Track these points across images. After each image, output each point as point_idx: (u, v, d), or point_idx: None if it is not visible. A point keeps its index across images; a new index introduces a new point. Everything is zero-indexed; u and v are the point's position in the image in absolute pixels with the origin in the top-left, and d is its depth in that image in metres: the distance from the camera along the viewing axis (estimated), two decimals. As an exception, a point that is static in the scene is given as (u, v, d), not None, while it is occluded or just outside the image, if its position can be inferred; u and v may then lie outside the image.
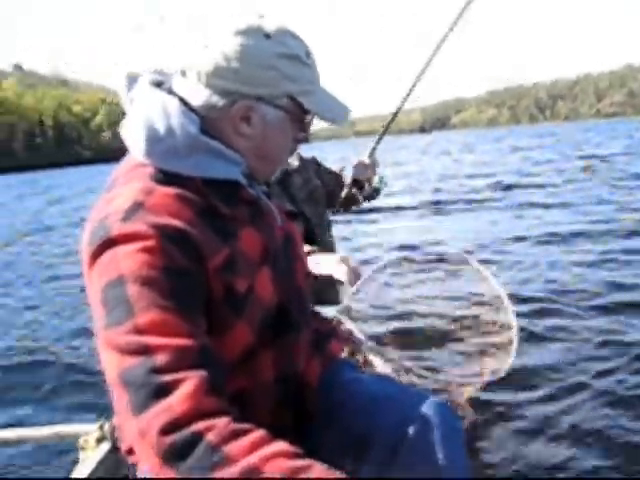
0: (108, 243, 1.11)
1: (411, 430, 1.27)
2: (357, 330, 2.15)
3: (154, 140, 1.22)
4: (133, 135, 1.26)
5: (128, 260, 1.09)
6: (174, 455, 0.94)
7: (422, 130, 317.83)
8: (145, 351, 1.03)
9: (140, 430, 0.97)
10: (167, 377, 1.00)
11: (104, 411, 3.00)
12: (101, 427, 1.87)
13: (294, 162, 3.07)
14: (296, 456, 0.98)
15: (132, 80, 1.33)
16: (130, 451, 1.30)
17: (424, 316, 4.60)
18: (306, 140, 1.43)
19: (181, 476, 0.94)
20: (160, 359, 1.02)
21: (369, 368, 2.16)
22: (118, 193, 1.19)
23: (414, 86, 3.21)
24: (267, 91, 1.25)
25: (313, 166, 3.26)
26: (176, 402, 0.97)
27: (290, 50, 1.26)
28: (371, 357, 2.24)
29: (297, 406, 1.45)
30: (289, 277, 1.42)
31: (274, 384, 1.35)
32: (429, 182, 18.66)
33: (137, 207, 1.14)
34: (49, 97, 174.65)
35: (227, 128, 1.28)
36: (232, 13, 1.31)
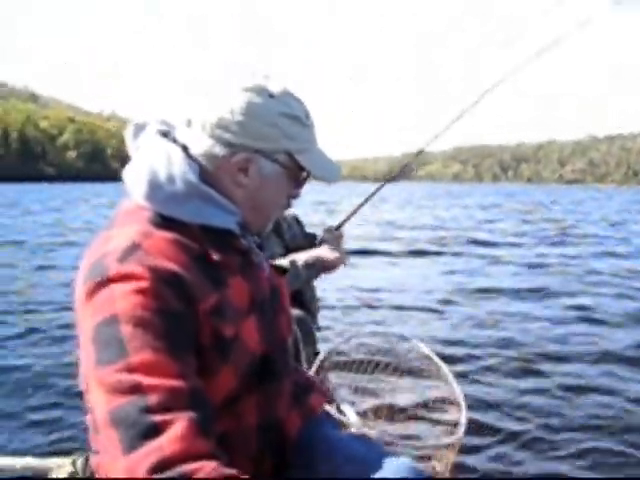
0: (105, 282, 1.13)
1: None
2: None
3: (155, 185, 1.25)
4: (135, 179, 1.28)
5: (123, 300, 1.11)
6: None
7: (387, 180, 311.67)
8: (137, 390, 1.04)
9: (129, 468, 0.98)
10: (158, 417, 1.01)
11: (77, 447, 3.28)
12: (73, 463, 1.74)
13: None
14: None
15: (139, 128, 1.37)
16: None
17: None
18: (298, 196, 1.47)
19: None
20: (152, 399, 1.03)
21: (344, 420, 2.16)
22: (117, 233, 1.22)
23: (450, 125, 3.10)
24: (267, 146, 1.31)
25: (294, 219, 3.31)
26: (166, 443, 0.99)
27: (292, 111, 1.33)
28: (347, 411, 2.28)
29: (277, 456, 1.47)
30: (274, 328, 1.45)
31: (256, 430, 1.36)
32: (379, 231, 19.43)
33: (134, 248, 1.16)
34: (17, 110, 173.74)
35: (225, 178, 1.32)
36: (240, 67, 1.40)
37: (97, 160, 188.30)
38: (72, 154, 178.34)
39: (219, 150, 1.30)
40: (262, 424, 1.38)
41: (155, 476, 0.96)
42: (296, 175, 1.40)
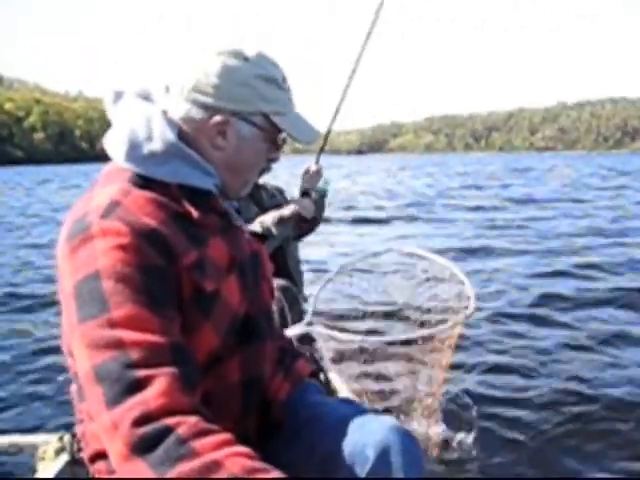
0: (86, 238, 1.16)
1: (372, 454, 1.31)
2: (331, 333, 2.45)
3: (134, 145, 1.28)
4: (115, 141, 1.31)
5: (104, 256, 1.13)
6: (144, 445, 1.00)
7: (359, 152, 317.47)
8: (119, 345, 1.07)
9: (113, 422, 1.03)
10: (141, 372, 1.05)
11: (64, 423, 3.40)
12: (61, 438, 1.81)
13: (260, 180, 3.33)
14: (257, 459, 1.07)
15: (118, 95, 1.39)
16: (93, 458, 1.33)
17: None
18: (277, 160, 1.53)
19: (147, 466, 0.99)
20: (134, 354, 1.06)
21: (331, 389, 2.25)
22: (97, 192, 1.25)
23: (340, 105, 3.46)
24: (243, 107, 1.34)
25: (277, 190, 3.64)
26: (150, 397, 1.03)
27: (267, 73, 1.36)
28: (333, 378, 2.38)
29: (261, 416, 1.50)
30: (256, 291, 1.47)
31: (240, 389, 1.38)
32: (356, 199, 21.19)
33: (115, 205, 1.19)
34: None
35: (203, 141, 1.35)
36: (216, 32, 1.41)
37: (65, 141, 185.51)
38: (40, 136, 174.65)
39: (196, 113, 1.34)
40: (245, 383, 1.40)
41: (138, 429, 1.01)
42: (274, 138, 1.44)
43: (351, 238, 11.97)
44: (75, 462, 1.79)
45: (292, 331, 2.73)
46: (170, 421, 1.03)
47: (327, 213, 3.81)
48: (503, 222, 13.76)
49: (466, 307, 2.74)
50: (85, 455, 1.38)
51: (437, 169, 55.60)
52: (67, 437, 1.84)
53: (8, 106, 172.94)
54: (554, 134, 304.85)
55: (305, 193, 3.51)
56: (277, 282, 3.02)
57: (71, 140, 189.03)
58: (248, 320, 1.41)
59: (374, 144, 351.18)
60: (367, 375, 3.57)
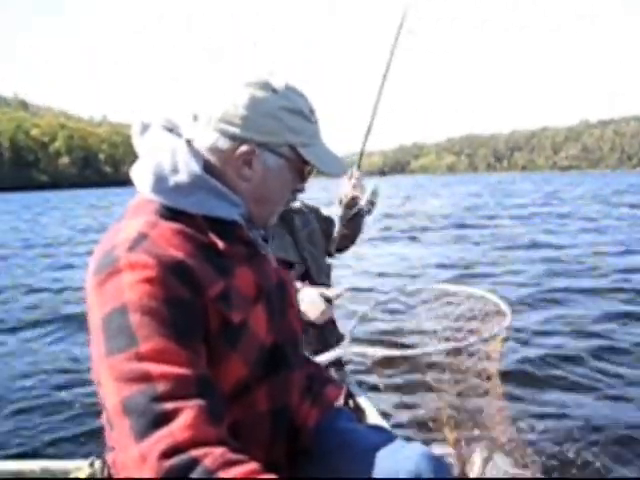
0: (114, 272, 1.17)
1: None
2: (366, 350, 2.35)
3: (160, 177, 1.30)
4: (142, 173, 1.34)
5: (131, 290, 1.15)
6: (172, 478, 1.02)
7: (382, 173, 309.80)
8: (147, 379, 1.09)
9: (141, 455, 1.04)
10: (168, 405, 1.07)
11: (95, 448, 3.39)
12: (92, 464, 1.82)
13: (295, 203, 3.06)
14: None
15: (145, 127, 1.42)
16: None
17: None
18: (302, 191, 1.53)
19: None
20: (161, 387, 1.08)
21: (361, 415, 2.30)
22: (125, 225, 1.27)
23: (372, 122, 3.34)
24: (270, 139, 1.36)
25: (313, 212, 3.30)
26: (177, 430, 1.05)
27: (294, 105, 1.38)
28: (363, 404, 2.42)
29: (290, 443, 1.50)
30: (283, 319, 1.48)
31: (268, 418, 1.40)
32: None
33: (142, 238, 1.21)
34: (7, 119, 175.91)
35: (230, 171, 1.37)
36: (244, 61, 1.44)
37: (90, 166, 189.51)
38: (65, 160, 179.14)
39: (223, 143, 1.36)
40: (273, 412, 1.41)
41: (166, 461, 1.02)
42: (300, 169, 1.46)
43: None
44: None
45: (325, 356, 2.62)
46: (197, 453, 1.04)
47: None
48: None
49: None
50: None
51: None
52: (98, 463, 1.82)
53: (34, 132, 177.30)
54: (577, 153, 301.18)
55: (352, 199, 3.30)
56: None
57: (95, 164, 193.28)
58: (276, 349, 1.41)
59: (396, 165, 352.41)
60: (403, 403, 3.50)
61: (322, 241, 3.26)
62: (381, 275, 9.96)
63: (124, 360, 1.11)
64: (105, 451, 1.47)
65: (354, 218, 3.32)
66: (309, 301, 2.60)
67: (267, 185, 1.42)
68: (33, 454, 3.66)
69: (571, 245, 13.06)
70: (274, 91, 1.37)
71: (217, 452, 1.06)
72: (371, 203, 3.34)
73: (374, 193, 3.35)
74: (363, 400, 2.51)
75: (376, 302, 3.17)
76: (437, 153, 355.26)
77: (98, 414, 1.33)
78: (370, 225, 12.52)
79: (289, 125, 1.38)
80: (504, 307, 2.73)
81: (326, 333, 3.00)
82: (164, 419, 1.07)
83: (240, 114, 1.34)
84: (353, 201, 3.30)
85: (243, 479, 1.06)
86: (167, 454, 1.03)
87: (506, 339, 2.63)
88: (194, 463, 1.04)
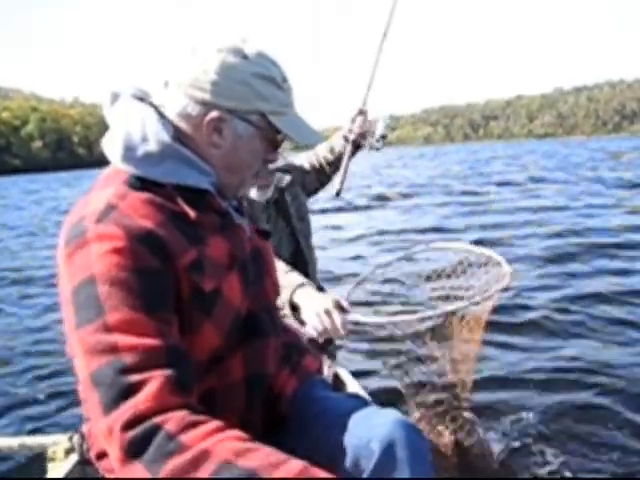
0: (82, 243, 1.17)
1: (378, 448, 1.32)
2: (355, 317, 2.14)
3: (129, 147, 1.29)
4: (112, 143, 1.32)
5: (100, 261, 1.14)
6: (136, 448, 1.03)
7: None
8: (114, 350, 1.09)
9: (108, 427, 1.06)
10: (135, 377, 1.07)
11: (72, 423, 3.42)
12: (70, 438, 1.82)
13: (284, 179, 3.01)
14: (247, 439, 1.09)
15: (115, 97, 1.40)
16: (100, 456, 1.36)
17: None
18: (274, 161, 1.51)
19: (142, 467, 1.03)
20: (129, 359, 1.08)
21: (341, 385, 2.28)
22: (94, 197, 1.26)
23: (367, 95, 3.16)
24: (240, 106, 1.34)
25: (299, 176, 3.15)
26: (141, 400, 1.05)
27: (265, 72, 1.35)
28: (342, 374, 2.38)
29: (268, 411, 1.50)
30: (258, 288, 1.47)
31: (243, 386, 1.39)
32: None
33: (110, 209, 1.20)
34: None
35: (200, 138, 1.35)
36: (216, 30, 1.39)
37: (63, 148, 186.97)
38: (37, 144, 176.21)
39: (193, 109, 1.33)
40: (249, 380, 1.40)
41: (128, 432, 1.04)
42: (271, 138, 1.42)
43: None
44: (85, 462, 1.78)
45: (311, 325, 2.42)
46: (158, 419, 1.05)
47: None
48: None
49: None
50: (92, 454, 1.41)
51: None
52: (76, 437, 1.84)
53: (5, 115, 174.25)
54: (553, 120, 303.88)
55: (361, 135, 3.06)
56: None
57: (69, 147, 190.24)
58: (250, 317, 1.41)
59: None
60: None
61: (307, 214, 3.14)
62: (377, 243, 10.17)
63: (92, 332, 1.11)
64: (82, 423, 1.48)
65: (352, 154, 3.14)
66: (315, 313, 2.15)
67: (237, 153, 1.39)
68: (13, 432, 3.68)
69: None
70: (245, 57, 1.35)
71: (178, 416, 1.06)
72: (383, 137, 3.12)
73: (387, 127, 3.14)
74: (342, 371, 2.47)
75: (376, 266, 2.98)
76: (413, 124, 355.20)
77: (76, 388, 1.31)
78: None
79: (260, 92, 1.35)
80: (505, 265, 2.61)
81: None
82: (130, 391, 1.07)
83: (210, 79, 1.32)
84: (361, 137, 3.09)
85: (204, 438, 1.05)
86: (130, 425, 1.04)
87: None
88: (156, 429, 1.04)
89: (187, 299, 1.25)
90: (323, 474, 1.10)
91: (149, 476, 1.03)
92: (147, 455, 1.03)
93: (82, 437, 1.78)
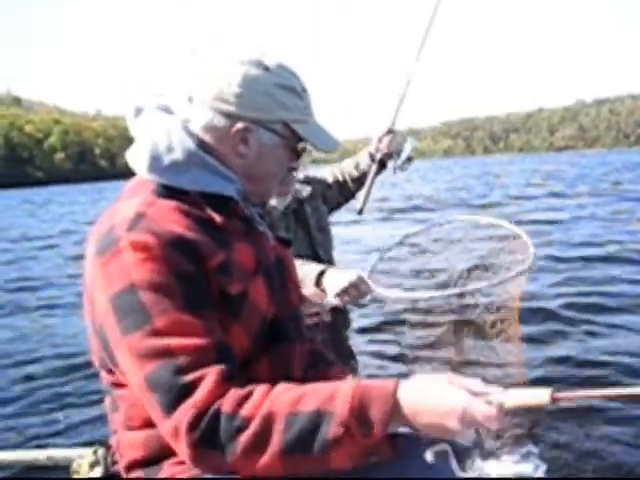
0: (115, 252, 1.20)
1: None
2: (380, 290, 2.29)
3: (155, 156, 1.32)
4: (137, 154, 1.36)
5: (137, 268, 1.18)
6: (206, 441, 1.11)
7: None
8: (167, 353, 1.14)
9: (174, 429, 1.12)
10: (190, 376, 1.13)
11: (98, 436, 3.46)
12: (95, 452, 1.84)
13: (305, 190, 3.01)
14: (293, 388, 1.20)
15: (139, 110, 1.44)
16: (130, 467, 1.37)
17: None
18: (297, 168, 1.68)
19: (219, 454, 1.12)
20: (182, 359, 1.14)
21: None
22: (121, 206, 1.29)
23: (399, 107, 3.12)
24: (264, 116, 1.38)
25: (321, 188, 3.14)
26: (199, 398, 1.12)
27: (286, 82, 1.41)
28: None
29: None
30: (283, 295, 1.50)
31: None
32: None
33: (140, 217, 1.23)
34: (0, 116, 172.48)
35: (225, 149, 1.39)
36: (237, 43, 1.44)
37: (85, 160, 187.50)
38: (60, 156, 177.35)
39: (219, 121, 1.38)
40: (274, 384, 1.33)
41: (195, 431, 1.11)
42: (294, 146, 1.47)
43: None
44: (109, 475, 1.76)
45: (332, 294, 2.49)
46: (214, 408, 1.12)
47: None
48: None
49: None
50: (121, 466, 1.41)
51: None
52: (101, 451, 1.85)
53: (28, 128, 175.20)
54: (574, 133, 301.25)
55: (386, 155, 3.05)
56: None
57: (91, 159, 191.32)
58: (277, 323, 1.43)
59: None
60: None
61: (328, 227, 3.13)
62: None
63: (142, 337, 1.15)
64: (110, 436, 1.48)
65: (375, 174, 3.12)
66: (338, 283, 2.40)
67: (262, 162, 1.44)
68: (38, 444, 3.67)
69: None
70: (267, 69, 1.40)
71: (229, 397, 1.14)
72: (409, 159, 3.09)
73: (414, 149, 3.10)
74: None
75: (404, 236, 3.05)
76: (433, 137, 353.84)
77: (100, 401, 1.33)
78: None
79: (282, 102, 1.40)
80: (529, 243, 2.65)
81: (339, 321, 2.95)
82: (188, 390, 1.13)
83: (234, 92, 1.36)
84: (388, 157, 3.07)
85: (260, 405, 1.14)
86: (194, 423, 1.11)
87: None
88: (217, 417, 1.12)
89: (216, 301, 1.28)
90: (374, 384, 1.19)
91: (228, 459, 1.12)
92: (219, 442, 1.11)
93: (107, 450, 1.78)
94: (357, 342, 5.17)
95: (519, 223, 3.20)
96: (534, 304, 6.09)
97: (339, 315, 2.92)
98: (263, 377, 1.34)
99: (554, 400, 1.16)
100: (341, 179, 3.22)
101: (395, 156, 3.06)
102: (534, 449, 2.83)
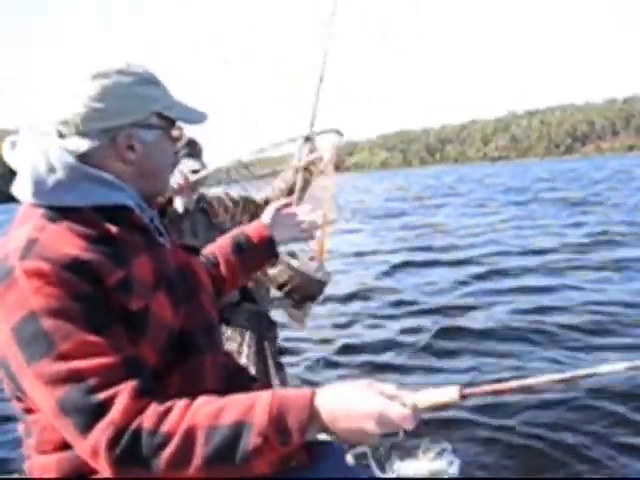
0: (11, 282, 1.17)
1: None
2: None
3: (38, 180, 1.28)
4: (21, 182, 1.31)
5: (34, 296, 1.15)
6: (126, 459, 1.10)
7: None
8: (75, 376, 1.12)
9: (92, 449, 1.11)
10: (102, 395, 1.12)
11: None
12: None
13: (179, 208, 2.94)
14: (213, 401, 1.20)
15: (14, 143, 1.40)
16: None
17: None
18: (178, 151, 1.69)
19: (141, 468, 1.12)
20: (92, 381, 1.12)
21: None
22: (13, 235, 1.26)
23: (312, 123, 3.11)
24: (138, 116, 1.37)
25: (241, 203, 3.17)
26: (116, 415, 1.10)
27: (142, 76, 1.40)
28: None
29: None
30: (192, 306, 1.47)
31: None
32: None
33: (32, 244, 1.20)
34: None
35: (111, 160, 1.36)
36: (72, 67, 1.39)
37: None
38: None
39: (100, 141, 1.34)
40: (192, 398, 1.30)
41: (115, 449, 1.10)
42: (170, 132, 1.49)
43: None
44: None
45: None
46: (135, 424, 1.11)
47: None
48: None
49: None
50: None
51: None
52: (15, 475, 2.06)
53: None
54: (507, 143, 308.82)
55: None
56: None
57: None
58: (184, 335, 1.40)
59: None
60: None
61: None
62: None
63: (48, 364, 1.13)
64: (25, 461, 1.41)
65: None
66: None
67: (151, 159, 1.43)
68: None
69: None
70: (120, 72, 1.37)
71: (150, 412, 1.13)
72: (332, 163, 3.09)
73: (334, 153, 3.09)
74: None
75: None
76: (370, 149, 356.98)
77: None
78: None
79: (148, 95, 1.40)
80: None
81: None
82: (103, 409, 1.11)
83: (99, 107, 1.33)
84: (311, 165, 3.09)
85: (182, 419, 1.14)
86: (113, 442, 1.10)
87: None
88: (138, 433, 1.11)
89: (119, 318, 1.25)
90: (292, 393, 1.21)
91: (152, 473, 1.12)
92: (142, 458, 1.10)
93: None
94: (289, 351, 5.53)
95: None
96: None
97: (266, 329, 3.05)
98: (174, 391, 1.32)
99: (462, 396, 1.23)
100: (272, 196, 3.22)
101: (318, 163, 3.06)
102: (448, 446, 2.92)
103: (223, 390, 1.37)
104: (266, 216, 2.00)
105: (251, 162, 2.82)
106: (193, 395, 1.29)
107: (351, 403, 1.20)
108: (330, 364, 5.51)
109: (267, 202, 3.09)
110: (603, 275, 8.67)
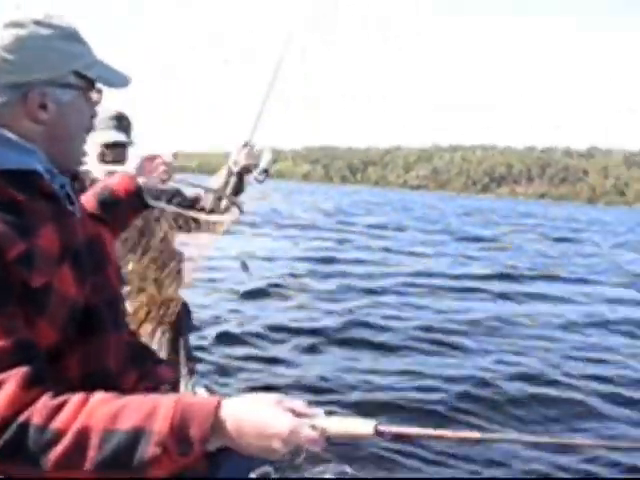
0: None
1: None
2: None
3: None
4: None
5: None
6: (10, 452, 1.02)
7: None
8: None
9: None
10: None
11: None
12: None
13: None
14: (113, 399, 1.12)
15: None
16: None
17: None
18: (96, 115, 1.47)
19: (27, 466, 1.04)
20: None
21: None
22: None
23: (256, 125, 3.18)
24: (55, 73, 1.26)
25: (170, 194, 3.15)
26: (1, 405, 1.03)
27: (64, 31, 1.28)
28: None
29: None
30: (99, 279, 1.40)
31: (79, 382, 1.28)
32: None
33: None
34: None
35: (21, 120, 1.26)
36: None
37: None
38: None
39: (10, 96, 1.24)
40: (85, 378, 1.30)
41: None
42: (90, 93, 1.39)
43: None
44: None
45: None
46: (23, 417, 1.03)
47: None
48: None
49: None
50: None
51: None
52: None
53: None
54: (427, 174, 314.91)
55: (245, 169, 3.15)
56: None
57: None
58: (89, 310, 1.32)
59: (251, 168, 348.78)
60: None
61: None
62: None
63: None
64: None
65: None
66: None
67: (65, 120, 1.33)
68: None
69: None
70: (38, 23, 1.26)
71: (41, 405, 1.05)
72: (265, 172, 3.23)
73: (270, 162, 3.26)
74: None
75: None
76: (293, 160, 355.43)
77: None
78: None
79: (69, 51, 1.30)
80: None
81: None
82: None
83: (12, 59, 1.22)
84: (246, 170, 3.20)
85: (75, 416, 1.05)
86: None
87: None
88: (25, 427, 1.03)
89: (18, 295, 1.15)
90: (196, 401, 1.13)
91: (39, 471, 1.03)
92: (26, 454, 1.02)
93: None
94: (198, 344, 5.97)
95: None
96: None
97: (182, 315, 3.14)
98: (74, 372, 1.29)
99: (378, 433, 1.19)
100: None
101: (253, 169, 3.18)
102: (349, 469, 3.07)
103: (126, 371, 1.42)
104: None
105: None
106: (94, 376, 1.30)
107: (260, 418, 1.14)
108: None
109: (197, 200, 3.27)
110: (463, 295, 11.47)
